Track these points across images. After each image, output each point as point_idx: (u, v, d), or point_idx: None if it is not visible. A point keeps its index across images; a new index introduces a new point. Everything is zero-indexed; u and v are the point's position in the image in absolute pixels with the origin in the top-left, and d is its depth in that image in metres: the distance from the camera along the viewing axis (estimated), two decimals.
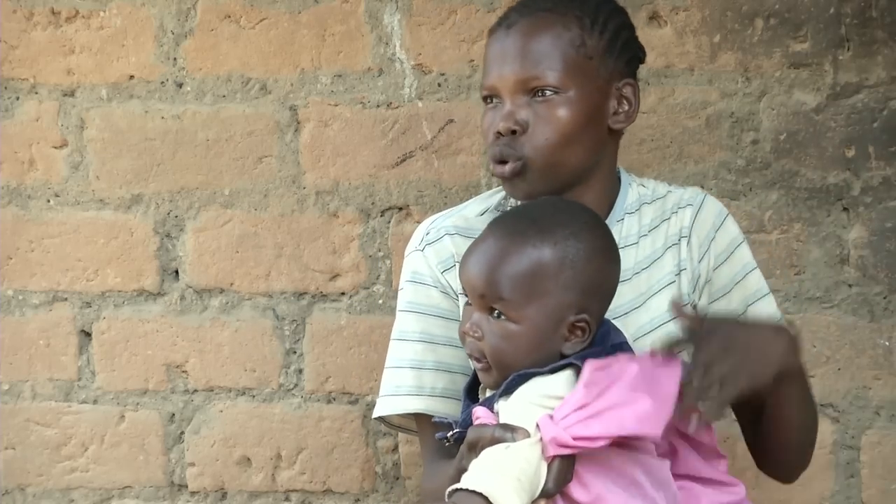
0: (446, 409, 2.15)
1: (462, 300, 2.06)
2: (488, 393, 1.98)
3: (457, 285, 2.15)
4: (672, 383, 1.90)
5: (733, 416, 2.27)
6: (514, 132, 2.10)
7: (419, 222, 2.47)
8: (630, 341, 2.02)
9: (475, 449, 1.87)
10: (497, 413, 1.91)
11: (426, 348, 2.21)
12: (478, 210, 2.26)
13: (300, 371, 2.86)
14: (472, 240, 2.02)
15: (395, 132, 2.81)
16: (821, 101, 2.69)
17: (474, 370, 2.00)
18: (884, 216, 2.68)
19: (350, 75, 2.82)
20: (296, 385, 2.87)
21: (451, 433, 1.99)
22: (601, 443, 1.84)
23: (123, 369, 2.91)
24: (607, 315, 2.02)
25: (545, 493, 1.85)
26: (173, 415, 2.91)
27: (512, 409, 1.89)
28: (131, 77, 2.87)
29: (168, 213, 2.88)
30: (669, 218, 2.23)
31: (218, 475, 2.90)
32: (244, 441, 2.89)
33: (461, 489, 1.79)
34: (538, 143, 2.09)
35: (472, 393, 2.03)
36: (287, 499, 2.90)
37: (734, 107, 2.72)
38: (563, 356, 1.92)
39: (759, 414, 2.16)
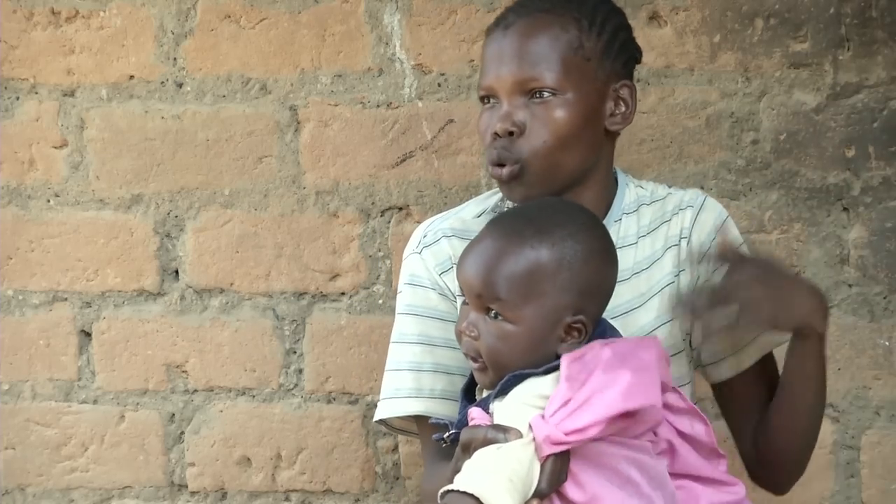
0: (446, 410, 2.15)
1: (460, 302, 2.06)
2: (485, 394, 1.98)
3: (455, 287, 2.15)
4: (649, 355, 1.92)
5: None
6: (511, 133, 2.09)
7: (419, 222, 2.47)
8: None
9: (469, 450, 1.87)
10: (492, 414, 1.91)
11: (425, 350, 2.21)
12: (475, 212, 2.26)
13: (300, 371, 2.87)
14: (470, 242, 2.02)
15: (395, 132, 2.81)
16: (821, 101, 2.69)
17: (471, 371, 2.01)
18: (884, 216, 2.68)
19: (350, 75, 2.82)
20: (296, 385, 2.87)
21: (447, 434, 1.99)
22: (594, 431, 1.84)
23: (123, 369, 2.91)
24: (606, 316, 2.02)
25: (538, 494, 1.85)
26: (173, 415, 2.91)
27: (506, 409, 1.89)
28: (131, 77, 2.87)
29: (168, 213, 2.88)
30: (670, 219, 2.22)
31: (218, 475, 2.90)
32: (244, 441, 2.89)
33: (453, 490, 1.80)
34: (535, 145, 2.09)
35: (469, 394, 2.03)
36: (287, 499, 2.90)
37: (734, 107, 2.72)
38: (558, 357, 1.92)
39: (767, 399, 2.20)
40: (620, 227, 2.20)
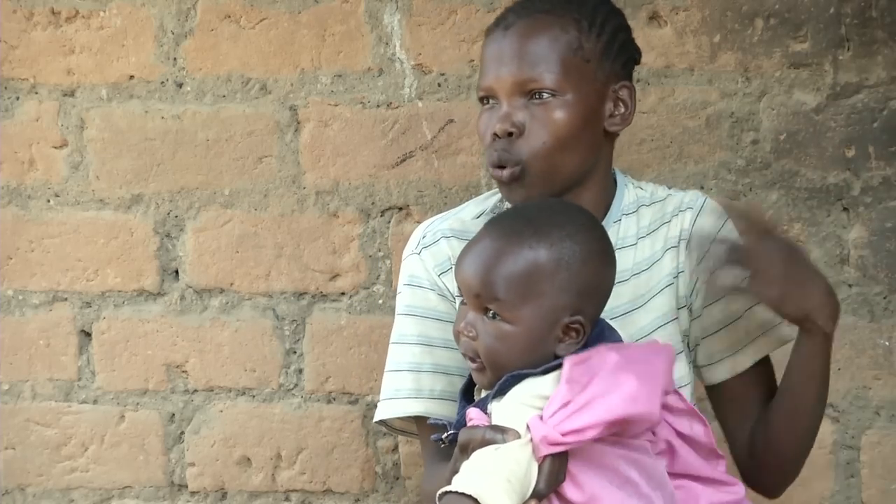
0: (445, 411, 2.15)
1: (459, 302, 2.06)
2: (483, 394, 1.98)
3: (454, 288, 2.15)
4: (660, 361, 1.92)
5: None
6: (510, 134, 2.09)
7: (419, 222, 2.47)
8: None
9: (467, 451, 1.87)
10: (490, 414, 1.91)
11: (424, 351, 2.21)
12: (474, 212, 2.26)
13: (300, 371, 2.87)
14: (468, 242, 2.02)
15: (395, 132, 2.81)
16: (821, 101, 2.69)
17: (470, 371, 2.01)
18: (884, 216, 2.68)
19: (350, 75, 2.82)
20: (296, 385, 2.87)
21: (445, 435, 1.99)
22: (592, 433, 1.84)
23: (123, 369, 2.91)
24: (605, 316, 2.02)
25: (537, 494, 1.85)
26: (173, 415, 2.91)
27: (504, 410, 1.89)
28: (131, 77, 2.87)
29: (168, 213, 2.88)
30: (670, 221, 2.22)
31: (218, 475, 2.90)
32: (244, 441, 2.89)
33: (451, 492, 1.80)
34: (535, 146, 2.09)
35: (467, 394, 2.03)
36: (287, 499, 2.90)
37: (734, 107, 2.72)
38: (556, 357, 1.92)
39: (763, 403, 2.20)
40: (620, 228, 2.20)
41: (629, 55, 2.19)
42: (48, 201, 2.91)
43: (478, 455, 1.84)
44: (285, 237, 2.85)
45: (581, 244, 1.95)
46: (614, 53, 2.15)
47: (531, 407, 1.88)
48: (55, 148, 2.90)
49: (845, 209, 2.69)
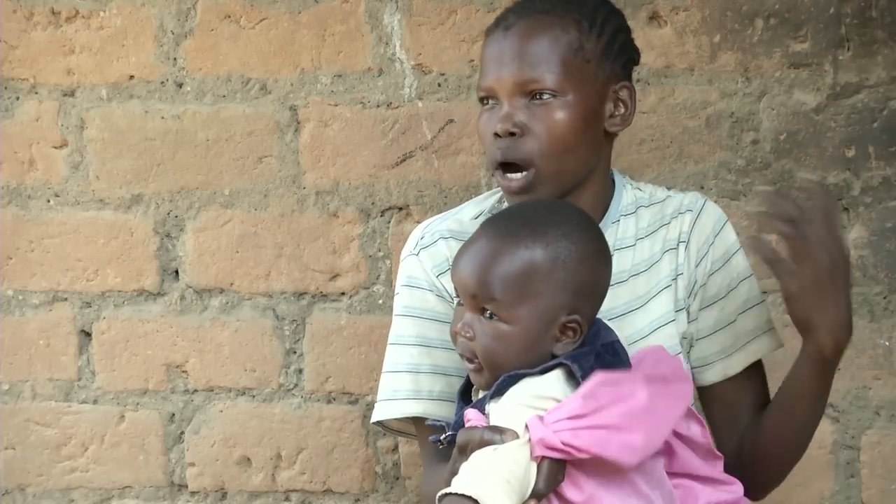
0: (444, 412, 2.15)
1: (456, 303, 2.06)
2: (481, 395, 1.98)
3: (452, 289, 2.14)
4: (674, 410, 1.91)
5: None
6: (512, 134, 2.09)
7: (419, 222, 2.47)
8: (625, 344, 2.02)
9: (465, 452, 1.87)
10: (488, 415, 1.91)
11: (422, 352, 2.20)
12: (472, 213, 2.26)
13: (300, 371, 2.87)
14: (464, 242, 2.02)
15: (395, 132, 2.81)
16: (821, 101, 2.69)
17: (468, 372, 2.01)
18: (884, 216, 2.68)
19: (350, 75, 2.82)
20: (296, 385, 2.87)
21: (443, 436, 1.99)
22: (585, 455, 1.84)
23: (123, 369, 2.91)
24: (603, 317, 2.02)
25: (536, 494, 1.84)
26: (173, 415, 2.91)
27: (502, 410, 1.89)
28: (131, 77, 2.88)
29: (168, 213, 2.88)
30: (669, 223, 2.22)
31: (218, 475, 2.91)
32: (244, 441, 2.89)
33: (451, 493, 1.79)
34: (543, 147, 2.08)
35: (465, 395, 2.03)
36: (287, 499, 2.90)
37: (734, 107, 2.72)
38: (553, 356, 1.92)
39: (752, 409, 2.20)
40: (618, 229, 2.20)
41: (629, 56, 2.19)
42: (48, 201, 2.91)
43: (476, 456, 1.84)
44: (285, 237, 2.85)
45: (577, 243, 1.95)
46: (614, 54, 2.14)
47: (529, 407, 1.87)
48: (55, 148, 2.90)
49: (845, 209, 2.69)
